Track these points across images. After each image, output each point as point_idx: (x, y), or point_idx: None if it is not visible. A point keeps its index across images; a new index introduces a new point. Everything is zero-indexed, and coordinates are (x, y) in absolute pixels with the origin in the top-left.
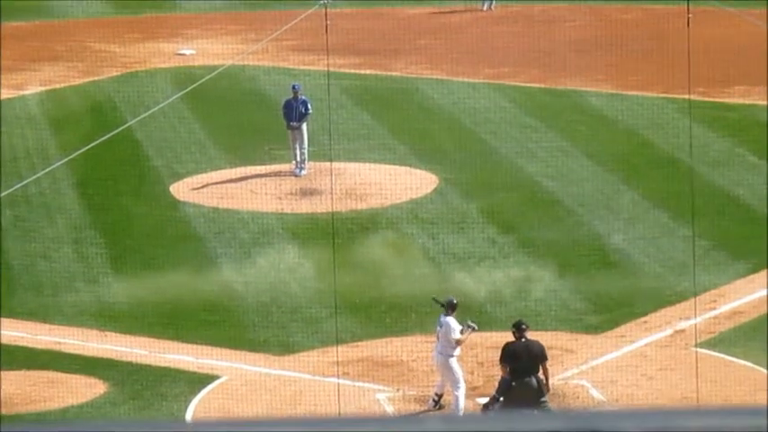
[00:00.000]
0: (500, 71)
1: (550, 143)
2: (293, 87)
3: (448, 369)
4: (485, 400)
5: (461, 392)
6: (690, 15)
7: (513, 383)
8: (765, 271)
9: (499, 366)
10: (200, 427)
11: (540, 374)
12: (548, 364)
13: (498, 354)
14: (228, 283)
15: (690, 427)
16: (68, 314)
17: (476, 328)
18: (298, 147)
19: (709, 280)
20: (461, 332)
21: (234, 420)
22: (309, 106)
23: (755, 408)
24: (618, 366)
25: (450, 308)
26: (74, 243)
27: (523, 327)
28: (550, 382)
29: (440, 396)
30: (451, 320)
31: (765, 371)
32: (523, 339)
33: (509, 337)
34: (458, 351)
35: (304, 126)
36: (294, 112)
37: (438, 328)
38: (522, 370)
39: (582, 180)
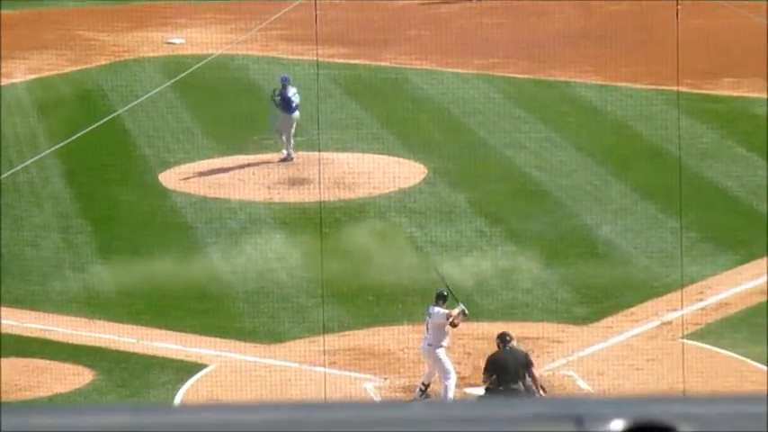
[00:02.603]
0: (489, 62)
1: (539, 134)
2: (282, 79)
3: (437, 360)
4: (472, 389)
5: (451, 382)
6: (679, 7)
7: (501, 388)
8: (753, 263)
9: (482, 377)
10: (186, 412)
11: (529, 381)
12: (534, 370)
13: (485, 361)
14: (217, 271)
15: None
16: (56, 302)
17: (467, 312)
18: (284, 137)
19: (696, 271)
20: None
21: (218, 405)
22: (292, 99)
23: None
24: (605, 357)
25: (440, 299)
26: (62, 231)
27: (508, 338)
28: (539, 385)
29: (426, 385)
30: (441, 310)
31: (751, 361)
32: (508, 348)
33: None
34: (446, 342)
35: (292, 116)
36: (283, 103)
37: (427, 318)
38: (508, 378)
39: (570, 171)
